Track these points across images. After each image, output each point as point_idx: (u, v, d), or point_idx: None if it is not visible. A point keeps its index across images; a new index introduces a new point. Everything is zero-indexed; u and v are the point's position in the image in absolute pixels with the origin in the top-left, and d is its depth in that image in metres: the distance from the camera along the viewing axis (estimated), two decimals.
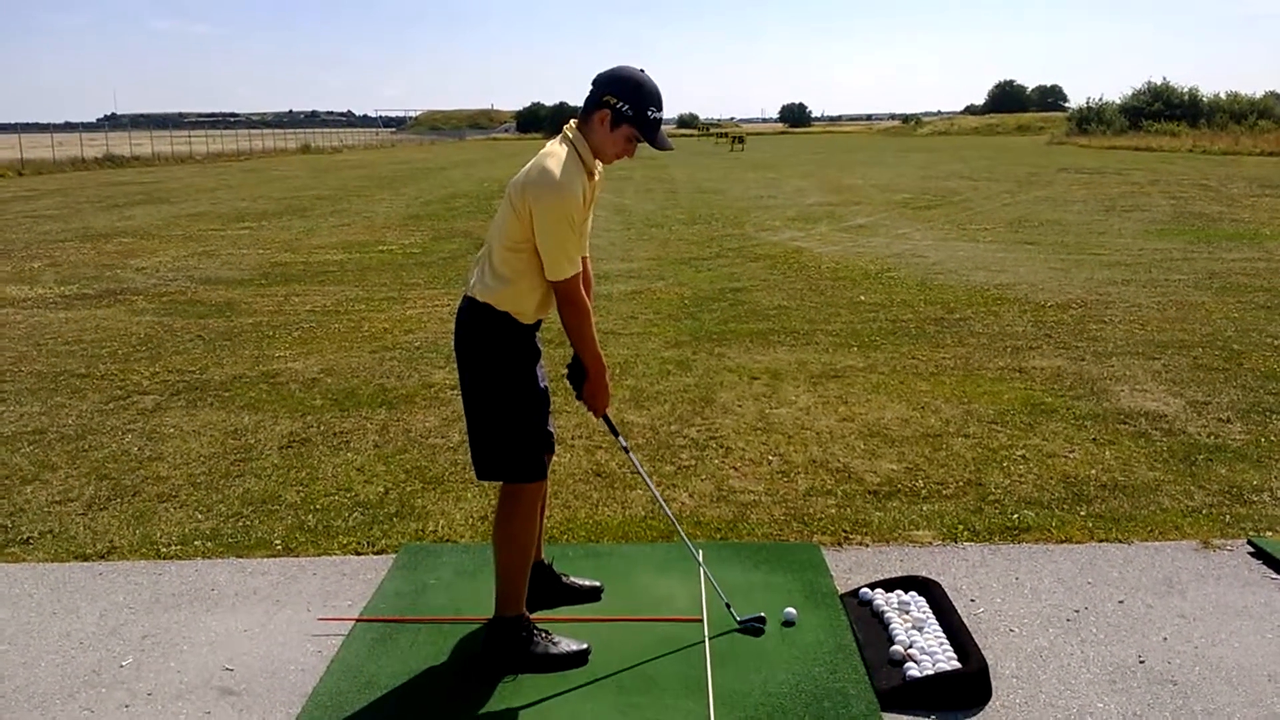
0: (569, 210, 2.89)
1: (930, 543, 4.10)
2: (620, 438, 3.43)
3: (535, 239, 2.92)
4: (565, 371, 3.24)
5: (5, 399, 6.36)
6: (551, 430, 3.26)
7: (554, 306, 3.09)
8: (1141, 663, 3.17)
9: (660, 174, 30.93)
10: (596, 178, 3.09)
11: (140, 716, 2.94)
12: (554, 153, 2.95)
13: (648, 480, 3.63)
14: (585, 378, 3.16)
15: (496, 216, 3.08)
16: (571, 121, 3.06)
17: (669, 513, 3.72)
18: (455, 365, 3.18)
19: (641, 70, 3.00)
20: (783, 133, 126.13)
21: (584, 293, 3.05)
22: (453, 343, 3.18)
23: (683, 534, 3.66)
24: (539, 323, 3.14)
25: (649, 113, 2.96)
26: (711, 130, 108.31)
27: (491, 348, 3.05)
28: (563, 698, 2.99)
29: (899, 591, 3.55)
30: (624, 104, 2.94)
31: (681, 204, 20.52)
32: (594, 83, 3.00)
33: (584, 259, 3.13)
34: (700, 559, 3.63)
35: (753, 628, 3.35)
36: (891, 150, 53.63)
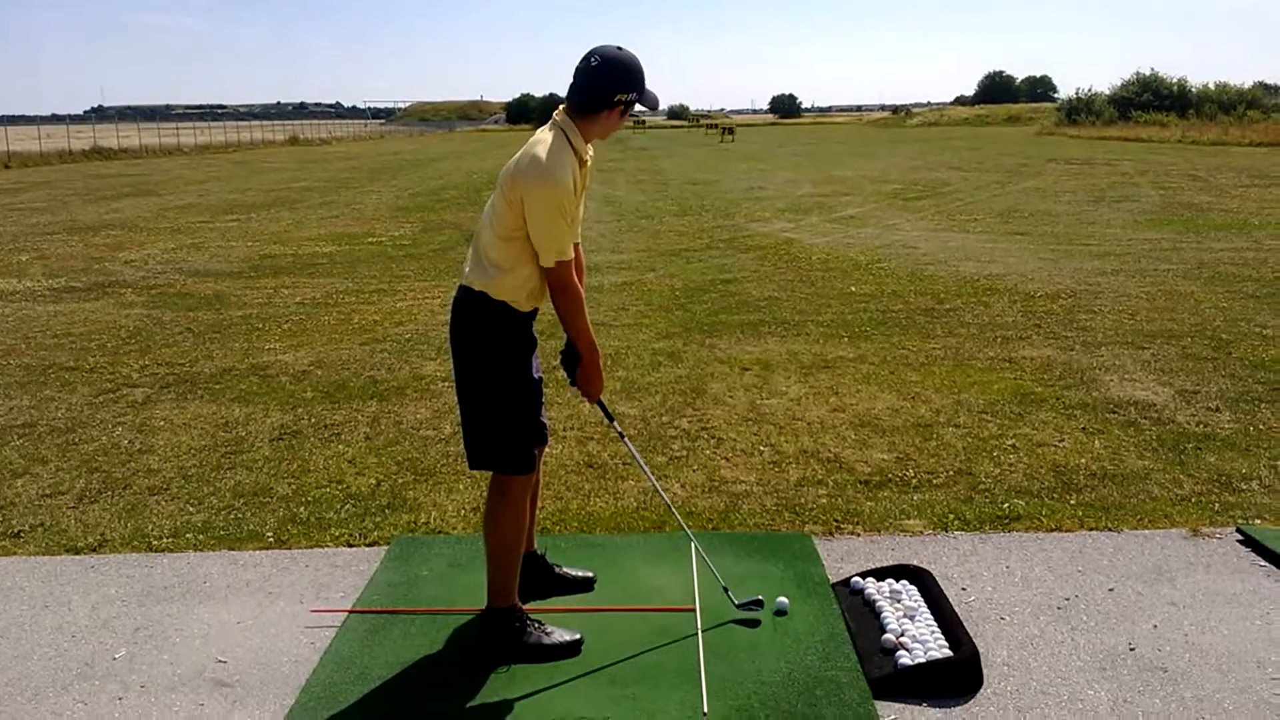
0: (560, 198, 2.89)
1: (921, 532, 4.12)
2: (615, 424, 3.43)
3: (527, 227, 2.92)
4: (558, 360, 3.24)
5: None
6: (545, 421, 3.26)
7: (546, 295, 3.10)
8: (1131, 650, 3.19)
9: (650, 165, 30.94)
10: (589, 163, 3.10)
11: (133, 709, 2.94)
12: (544, 140, 2.96)
13: (643, 466, 3.62)
14: (579, 363, 3.16)
15: (488, 205, 3.08)
16: (560, 108, 3.06)
17: (665, 499, 3.73)
18: (447, 356, 3.18)
19: (620, 48, 3.02)
20: (773, 124, 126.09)
21: (577, 279, 3.06)
22: (447, 332, 3.18)
23: (680, 520, 3.65)
24: (534, 312, 3.14)
25: (645, 88, 3.05)
26: (702, 121, 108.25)
27: (486, 337, 3.05)
28: (556, 688, 3.00)
29: (890, 580, 3.56)
30: (631, 94, 3.00)
31: (672, 195, 20.51)
32: (592, 81, 2.97)
33: (576, 245, 3.14)
34: (695, 544, 3.62)
35: (750, 611, 3.36)
36: (881, 141, 53.66)
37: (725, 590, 3.42)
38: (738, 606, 3.38)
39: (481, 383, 3.09)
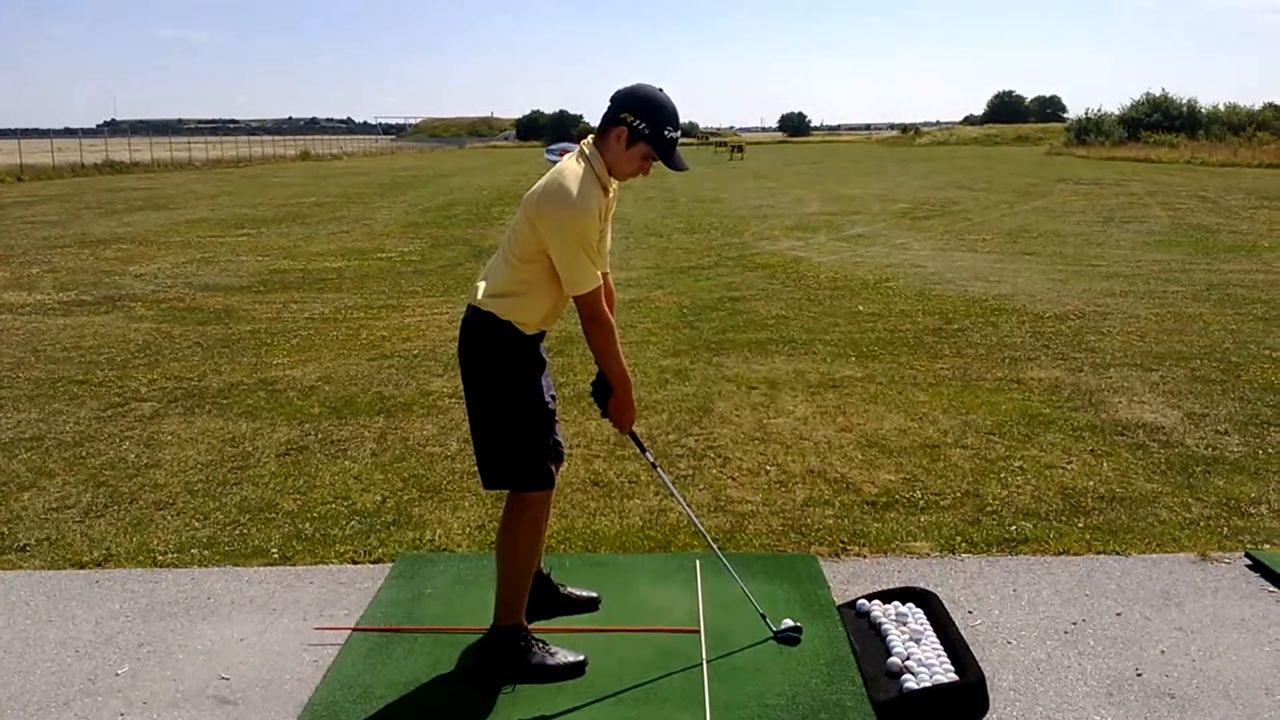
0: (582, 228, 2.89)
1: (928, 554, 4.10)
2: (648, 453, 3.38)
3: (550, 253, 2.92)
4: (590, 388, 3.22)
5: (3, 405, 6.35)
6: (559, 440, 3.27)
7: (558, 319, 3.14)
8: (1139, 675, 3.17)
9: (659, 183, 30.96)
10: (612, 194, 3.11)
11: None
12: (570, 169, 2.96)
13: (675, 493, 3.56)
14: (610, 395, 3.14)
15: (510, 227, 3.09)
16: (589, 138, 3.07)
17: (700, 528, 3.69)
18: (455, 372, 3.19)
19: (660, 90, 3.01)
20: (782, 142, 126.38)
21: (606, 307, 3.04)
22: (455, 350, 3.19)
23: (714, 548, 3.59)
24: (542, 334, 3.15)
25: (665, 132, 2.96)
26: (711, 139, 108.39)
27: (493, 356, 3.05)
28: (559, 709, 2.99)
29: (896, 603, 3.54)
30: (641, 122, 2.94)
31: (680, 213, 20.53)
32: (612, 99, 3.01)
33: (605, 275, 3.14)
34: (732, 573, 3.50)
35: (790, 637, 3.33)
36: (890, 160, 53.71)
37: (763, 617, 3.38)
38: (774, 634, 3.34)
39: (492, 402, 3.08)
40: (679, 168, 3.06)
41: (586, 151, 3.02)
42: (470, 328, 3.09)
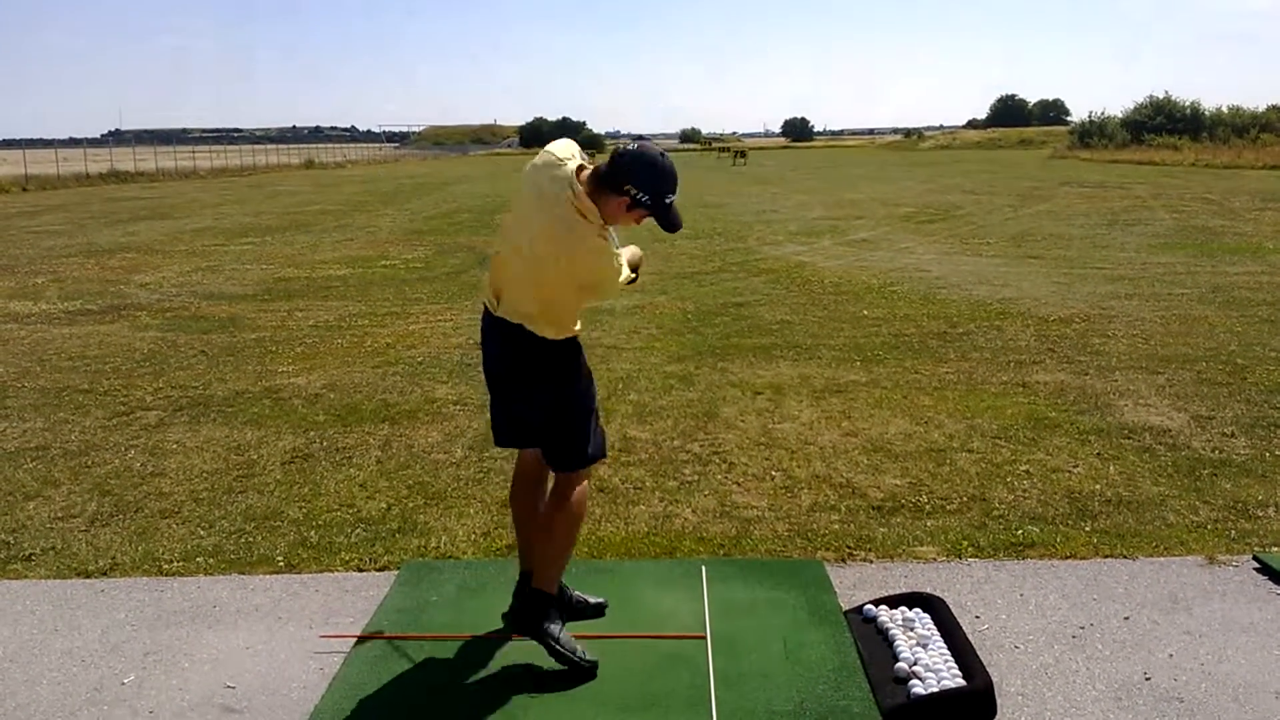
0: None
1: (934, 559, 4.08)
2: None
3: None
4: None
5: (8, 415, 6.36)
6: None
7: (546, 327, 3.20)
8: (1147, 679, 3.15)
9: None
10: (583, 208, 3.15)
11: None
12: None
13: None
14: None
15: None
16: (588, 172, 3.10)
17: None
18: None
19: (662, 155, 3.10)
20: (785, 147, 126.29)
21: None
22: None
23: None
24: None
25: (666, 200, 3.09)
26: (714, 145, 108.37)
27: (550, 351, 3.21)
28: (566, 715, 2.98)
29: (903, 608, 3.53)
30: (643, 194, 3.04)
31: (684, 219, 20.49)
32: (614, 161, 3.04)
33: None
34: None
35: None
36: (894, 164, 53.69)
37: None
38: None
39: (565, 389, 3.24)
40: (673, 228, 3.24)
41: (576, 188, 3.06)
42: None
